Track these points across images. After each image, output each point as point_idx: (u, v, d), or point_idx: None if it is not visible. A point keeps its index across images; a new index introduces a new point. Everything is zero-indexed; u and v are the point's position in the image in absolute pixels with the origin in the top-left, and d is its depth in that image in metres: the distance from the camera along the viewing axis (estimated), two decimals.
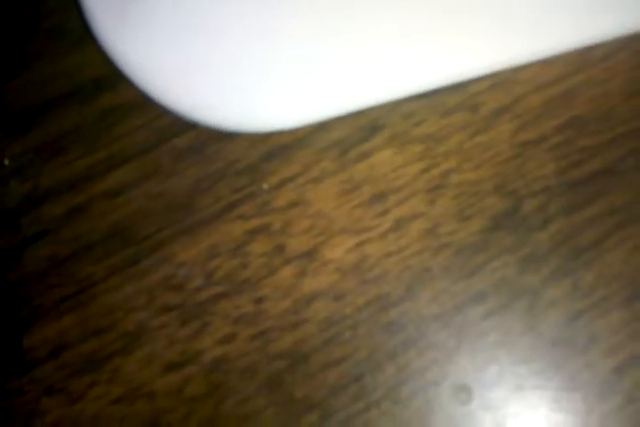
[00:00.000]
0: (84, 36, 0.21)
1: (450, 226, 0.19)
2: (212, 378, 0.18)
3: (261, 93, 0.19)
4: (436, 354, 0.17)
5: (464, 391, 0.17)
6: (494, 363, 0.17)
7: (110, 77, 0.21)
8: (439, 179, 0.19)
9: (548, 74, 0.20)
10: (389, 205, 0.19)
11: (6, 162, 0.22)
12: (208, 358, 0.19)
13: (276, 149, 0.20)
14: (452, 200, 0.19)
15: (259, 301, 0.19)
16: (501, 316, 0.17)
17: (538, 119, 0.19)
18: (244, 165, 0.20)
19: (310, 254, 0.19)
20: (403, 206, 0.19)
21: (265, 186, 0.20)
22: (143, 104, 0.21)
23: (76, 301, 0.20)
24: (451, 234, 0.18)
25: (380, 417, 0.17)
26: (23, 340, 0.20)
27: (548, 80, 0.19)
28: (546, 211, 0.18)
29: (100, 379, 0.19)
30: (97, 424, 0.18)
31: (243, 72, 0.20)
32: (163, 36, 0.20)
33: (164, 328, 0.19)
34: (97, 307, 0.20)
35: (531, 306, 0.17)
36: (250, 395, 0.18)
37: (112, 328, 0.19)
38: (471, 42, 0.19)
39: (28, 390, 0.19)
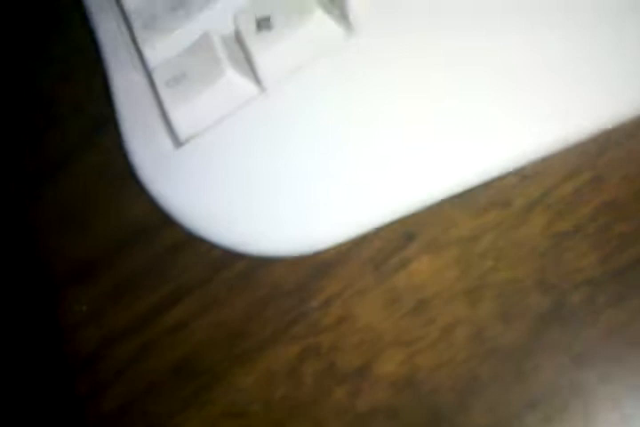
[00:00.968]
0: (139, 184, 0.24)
1: (495, 329, 0.18)
2: None
3: (299, 217, 0.21)
4: None
5: None
6: None
7: (167, 219, 0.23)
8: (478, 281, 0.19)
9: (574, 160, 0.20)
10: (434, 313, 0.19)
11: (84, 308, 0.24)
12: None
13: (319, 266, 0.21)
14: (494, 301, 0.19)
15: (316, 424, 0.19)
16: (560, 422, 0.17)
17: (570, 208, 0.19)
18: (291, 286, 0.21)
19: (362, 371, 0.19)
20: (446, 313, 0.19)
21: (314, 304, 0.20)
22: (196, 238, 0.23)
23: None
24: (497, 337, 0.18)
25: None
26: None
27: (576, 167, 0.20)
28: (593, 303, 0.18)
29: None
30: None
31: (279, 200, 0.21)
32: (203, 178, 0.22)
33: None
34: None
35: (587, 407, 0.17)
36: None
37: None
38: (501, 136, 0.20)
39: None
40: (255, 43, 0.21)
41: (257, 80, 0.22)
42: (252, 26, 0.21)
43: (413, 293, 0.20)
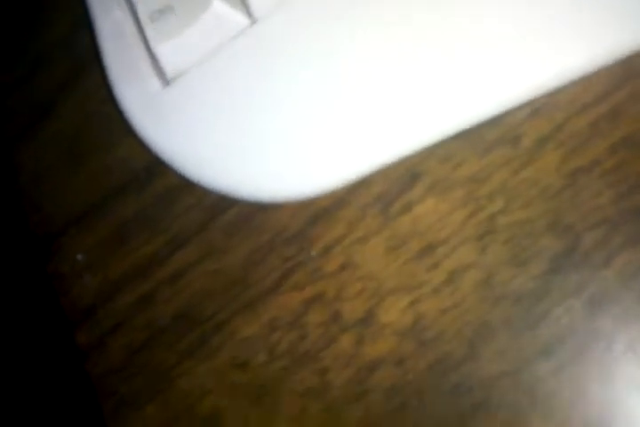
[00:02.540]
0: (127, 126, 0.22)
1: (505, 274, 0.18)
2: None
3: (295, 161, 0.20)
4: (507, 416, 0.16)
5: None
6: (571, 423, 0.16)
7: (159, 163, 0.22)
8: (487, 223, 0.18)
9: (589, 93, 0.18)
10: (439, 258, 0.18)
11: (79, 257, 0.23)
12: None
13: (319, 212, 0.20)
14: (505, 245, 0.18)
15: (322, 372, 0.19)
16: (574, 368, 0.16)
17: (585, 144, 0.18)
18: (290, 234, 0.20)
19: (366, 320, 0.19)
20: (453, 257, 0.18)
21: (313, 252, 0.20)
22: (191, 183, 0.22)
23: (155, 388, 0.21)
24: (507, 282, 0.17)
25: None
26: None
27: (590, 100, 0.18)
28: (608, 244, 0.17)
29: None
30: None
31: (273, 141, 0.20)
32: (193, 119, 0.20)
33: (237, 409, 0.19)
34: (174, 393, 0.21)
35: (602, 353, 0.16)
36: None
37: (190, 413, 0.20)
38: (505, 68, 0.18)
39: None
40: None
41: (246, 10, 0.20)
42: None
43: (418, 237, 0.19)
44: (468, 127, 0.19)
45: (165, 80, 0.21)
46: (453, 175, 0.19)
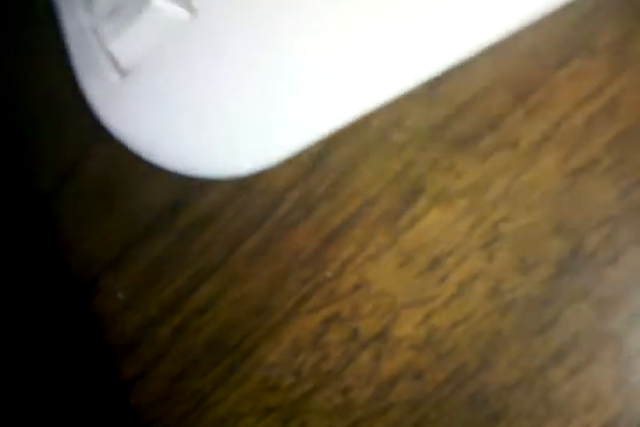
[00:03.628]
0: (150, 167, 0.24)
1: (513, 281, 0.17)
2: None
3: (256, 136, 0.20)
4: (525, 425, 0.16)
5: None
6: None
7: (183, 198, 0.23)
8: (492, 231, 0.18)
9: (583, 88, 0.18)
10: (447, 270, 0.18)
11: (120, 295, 0.24)
12: None
13: (330, 233, 0.21)
14: (510, 252, 0.18)
15: (345, 391, 0.19)
16: (587, 372, 0.16)
17: (583, 142, 0.18)
18: (305, 256, 0.21)
19: (382, 336, 0.19)
20: (460, 268, 0.18)
21: (328, 273, 0.20)
22: (211, 215, 0.23)
23: (194, 415, 0.22)
24: (515, 289, 0.17)
25: None
26: None
27: (585, 95, 0.18)
28: (614, 243, 0.17)
29: None
30: None
31: (230, 123, 0.21)
32: (153, 109, 0.22)
33: None
34: (211, 418, 0.21)
35: (616, 355, 0.16)
36: None
37: None
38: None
39: None
40: None
41: (186, 3, 0.21)
42: None
43: (426, 250, 0.19)
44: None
45: (123, 73, 0.23)
46: (455, 185, 0.20)
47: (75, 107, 0.27)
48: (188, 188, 0.24)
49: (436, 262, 0.19)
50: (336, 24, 0.19)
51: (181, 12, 0.21)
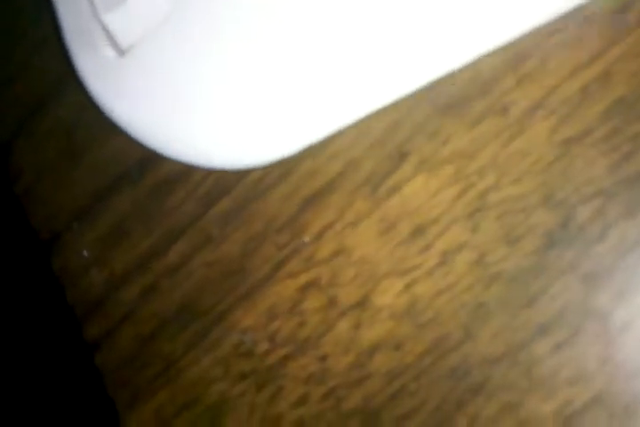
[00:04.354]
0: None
1: (499, 252, 0.17)
2: None
3: (253, 124, 0.18)
4: (507, 398, 0.16)
5: None
6: (572, 403, 0.15)
7: (151, 156, 0.22)
8: (478, 200, 0.17)
9: (579, 55, 0.17)
10: (431, 239, 0.17)
11: (85, 253, 0.23)
12: (287, 421, 0.18)
13: (309, 197, 0.19)
14: (497, 222, 0.17)
15: (322, 358, 0.18)
16: (572, 347, 0.15)
17: (576, 111, 0.17)
18: (282, 221, 0.20)
19: (362, 304, 0.18)
20: (445, 238, 0.17)
21: (306, 239, 0.19)
22: (183, 174, 0.21)
23: (165, 378, 0.21)
24: (501, 261, 0.16)
25: None
26: (131, 420, 0.20)
27: (581, 62, 0.17)
28: (604, 217, 0.16)
29: None
30: None
31: (235, 104, 0.19)
32: (152, 87, 0.20)
33: (243, 396, 0.19)
34: (183, 382, 0.20)
35: (601, 330, 0.15)
36: None
37: (198, 401, 0.20)
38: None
39: None
40: None
41: None
42: None
43: (408, 218, 0.18)
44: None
45: (120, 50, 0.20)
46: (442, 152, 0.18)
47: (47, 46, 0.25)
48: None
49: (419, 231, 0.18)
50: None
51: None
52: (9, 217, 0.23)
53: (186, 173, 0.22)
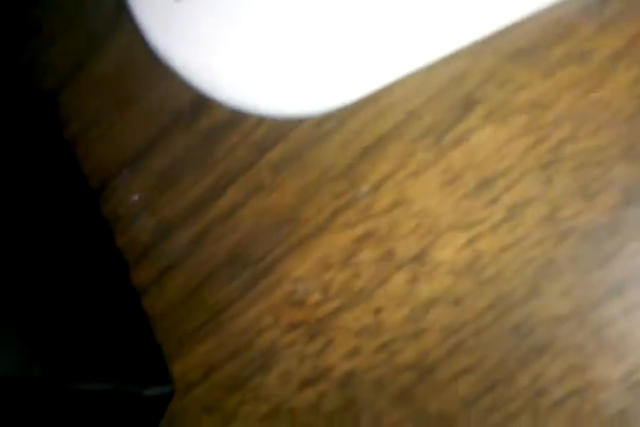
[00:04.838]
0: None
1: (573, 207, 0.15)
2: (344, 393, 0.17)
3: (314, 72, 0.17)
4: (573, 360, 0.15)
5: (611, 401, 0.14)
6: None
7: (203, 100, 0.21)
8: (552, 152, 0.16)
9: None
10: (498, 192, 0.16)
11: (136, 197, 0.22)
12: (338, 373, 0.18)
13: (368, 146, 0.18)
14: (572, 175, 0.15)
15: (376, 311, 0.17)
16: None
17: None
18: (339, 170, 0.18)
19: (420, 258, 0.17)
20: (514, 191, 0.16)
21: (364, 188, 0.18)
22: (236, 119, 0.20)
23: (214, 325, 0.20)
24: (575, 217, 0.15)
25: None
26: (178, 364, 0.20)
27: None
28: None
29: (247, 397, 0.19)
30: None
31: (294, 49, 0.18)
32: (210, 34, 0.19)
33: (293, 346, 0.18)
34: (232, 329, 0.20)
35: None
36: (384, 409, 0.17)
37: (248, 348, 0.19)
38: None
39: (189, 409, 0.20)
40: None
41: None
42: None
43: (475, 170, 0.17)
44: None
45: None
46: (514, 100, 0.17)
47: None
48: None
49: (485, 183, 0.17)
50: None
51: None
52: (60, 162, 0.22)
53: (240, 117, 0.21)
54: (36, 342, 0.17)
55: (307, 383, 0.19)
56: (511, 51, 0.17)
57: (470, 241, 0.17)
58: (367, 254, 0.18)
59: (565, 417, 0.15)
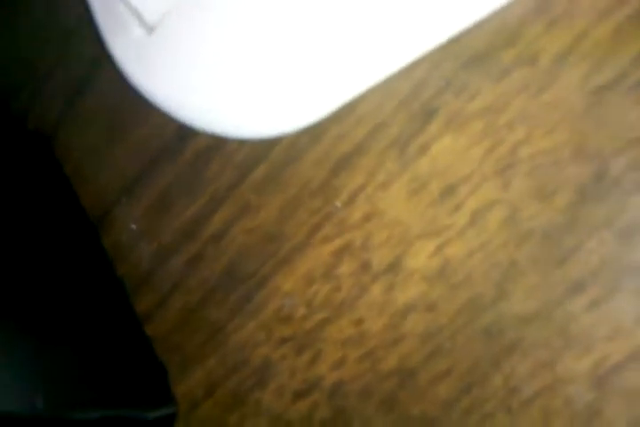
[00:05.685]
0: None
1: (531, 208, 0.16)
2: (334, 402, 0.18)
3: (290, 90, 0.18)
4: (542, 356, 0.15)
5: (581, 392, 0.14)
6: (608, 360, 0.14)
7: (187, 128, 0.22)
8: (509, 156, 0.16)
9: None
10: (461, 198, 0.17)
11: (133, 226, 0.23)
12: (327, 383, 0.18)
13: (340, 160, 0.19)
14: (528, 178, 0.16)
15: (358, 322, 0.18)
16: (608, 304, 0.14)
17: (609, 56, 0.15)
18: (316, 185, 0.19)
19: (394, 267, 0.18)
20: (475, 196, 0.17)
21: (338, 203, 0.19)
22: (218, 144, 0.21)
23: (214, 343, 0.21)
24: (534, 217, 0.16)
25: None
26: (181, 385, 0.21)
27: (612, 2, 0.15)
28: (639, 168, 0.15)
29: (248, 412, 0.20)
30: None
31: (257, 78, 0.19)
32: (181, 65, 0.20)
33: (284, 360, 0.19)
34: (230, 346, 0.21)
35: (638, 286, 0.14)
36: (371, 416, 0.18)
37: (245, 364, 0.20)
38: None
39: None
40: None
41: None
42: None
43: (438, 178, 0.18)
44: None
45: (148, 28, 0.20)
46: (470, 107, 0.17)
47: (81, 31, 0.25)
48: None
49: (449, 190, 0.18)
50: None
51: None
52: (60, 198, 0.24)
53: (222, 142, 0.22)
54: (38, 375, 0.18)
55: (299, 395, 0.19)
56: (464, 58, 0.18)
57: (439, 248, 0.17)
58: (346, 267, 0.19)
59: (538, 413, 0.16)
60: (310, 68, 0.18)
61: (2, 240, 0.20)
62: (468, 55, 0.18)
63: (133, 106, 0.23)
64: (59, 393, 0.18)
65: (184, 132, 0.23)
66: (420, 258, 0.18)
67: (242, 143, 0.22)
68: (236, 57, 0.19)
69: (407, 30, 0.17)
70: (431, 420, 0.17)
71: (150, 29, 0.20)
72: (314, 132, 0.20)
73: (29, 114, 0.26)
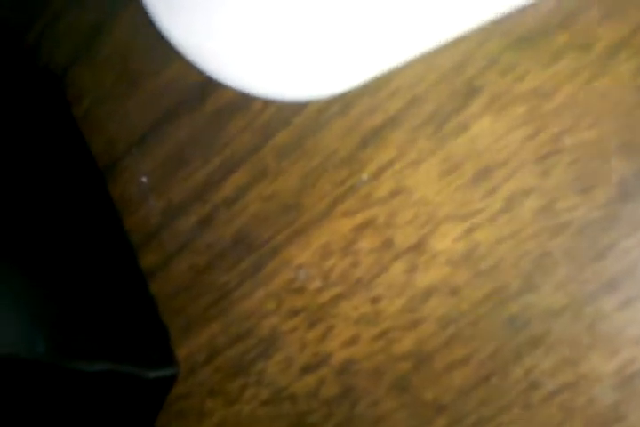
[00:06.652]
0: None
1: (569, 200, 0.16)
2: (343, 380, 0.18)
3: (317, 54, 0.17)
4: (566, 353, 0.15)
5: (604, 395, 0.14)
6: (635, 362, 0.14)
7: (210, 82, 0.21)
8: (551, 143, 0.16)
9: None
10: (496, 183, 0.16)
11: (144, 179, 0.23)
12: (337, 360, 0.18)
13: (370, 133, 0.18)
14: (569, 168, 0.16)
15: (375, 300, 0.18)
16: None
17: None
18: (341, 157, 0.19)
19: (418, 247, 0.17)
20: (511, 182, 0.16)
21: (364, 176, 0.18)
22: (242, 103, 0.21)
23: (218, 308, 0.21)
24: (571, 209, 0.15)
25: (511, 423, 0.15)
26: (183, 347, 0.21)
27: None
28: None
29: (250, 381, 0.20)
30: (253, 425, 0.19)
31: (293, 36, 0.18)
32: (213, 13, 0.19)
33: (294, 332, 0.19)
34: (236, 313, 0.20)
35: None
36: (380, 397, 0.17)
37: (251, 333, 0.20)
38: None
39: (192, 392, 0.20)
40: None
41: None
42: None
43: (474, 160, 0.17)
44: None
45: None
46: (515, 89, 0.17)
47: None
48: None
49: (484, 174, 0.17)
50: None
51: None
52: (68, 142, 0.23)
53: (246, 100, 0.21)
54: (40, 320, 0.18)
55: (307, 370, 0.19)
56: (514, 38, 0.17)
57: (468, 231, 0.17)
58: (366, 243, 0.19)
59: (557, 410, 0.16)
60: (351, 33, 0.18)
61: (6, 177, 0.20)
62: (517, 34, 0.17)
63: (156, 52, 0.22)
64: (59, 339, 0.18)
65: (206, 85, 0.22)
66: (447, 240, 0.17)
67: (267, 104, 0.21)
68: (275, 13, 0.18)
69: (455, 4, 0.17)
70: (443, 406, 0.17)
71: None
72: (345, 101, 0.19)
73: (41, 49, 0.25)
